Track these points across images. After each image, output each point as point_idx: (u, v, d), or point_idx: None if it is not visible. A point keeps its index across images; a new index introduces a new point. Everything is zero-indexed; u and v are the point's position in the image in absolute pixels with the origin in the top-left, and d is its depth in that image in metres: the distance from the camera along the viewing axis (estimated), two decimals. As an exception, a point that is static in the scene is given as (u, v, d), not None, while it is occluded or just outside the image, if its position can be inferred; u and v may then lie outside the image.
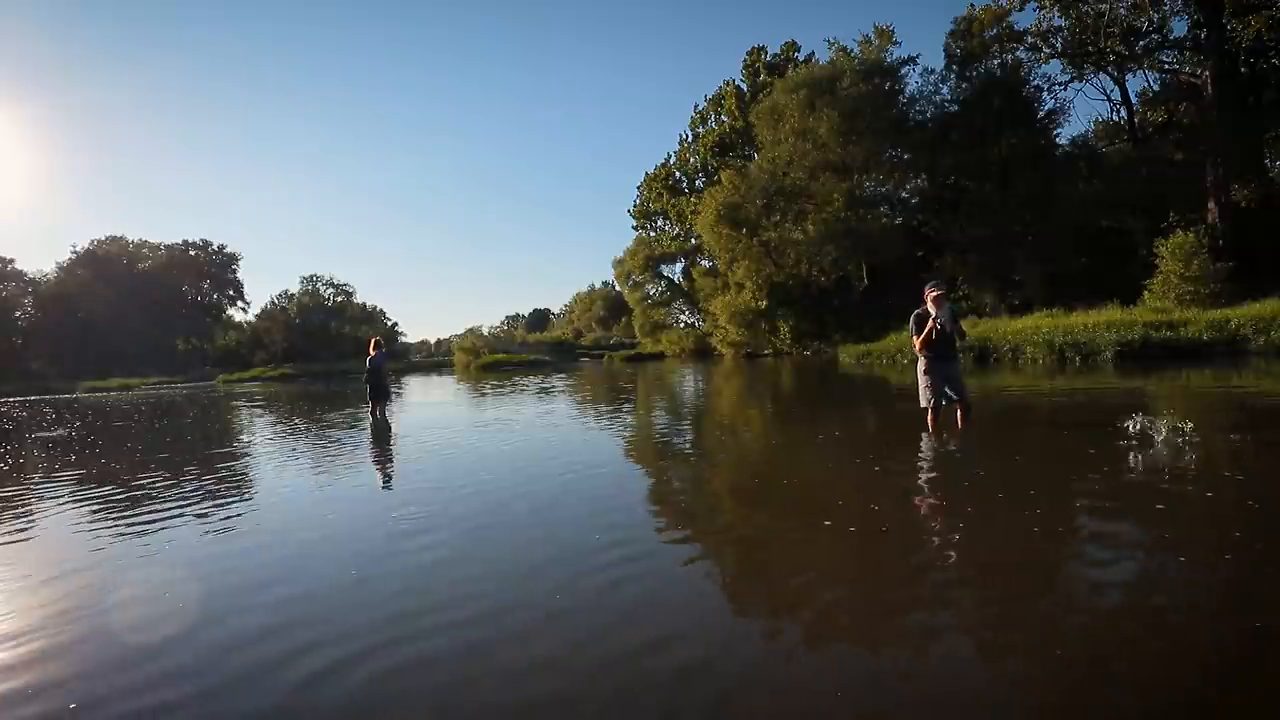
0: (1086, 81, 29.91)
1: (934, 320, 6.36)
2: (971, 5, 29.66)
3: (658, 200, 47.59)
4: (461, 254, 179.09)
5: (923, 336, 6.39)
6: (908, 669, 2.19)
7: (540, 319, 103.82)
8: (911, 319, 6.60)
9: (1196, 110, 25.93)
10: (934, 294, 6.42)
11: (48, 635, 2.78)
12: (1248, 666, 2.13)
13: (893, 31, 31.46)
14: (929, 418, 6.49)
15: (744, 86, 41.54)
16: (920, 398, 6.52)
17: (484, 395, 18.21)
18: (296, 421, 13.28)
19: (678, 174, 46.68)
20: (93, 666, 2.49)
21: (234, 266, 73.11)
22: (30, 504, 5.75)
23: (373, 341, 11.73)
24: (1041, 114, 29.04)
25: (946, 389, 6.47)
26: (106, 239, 67.93)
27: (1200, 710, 1.94)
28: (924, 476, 4.96)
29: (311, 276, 73.65)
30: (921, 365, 6.51)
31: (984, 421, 7.08)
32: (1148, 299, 20.06)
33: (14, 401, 31.65)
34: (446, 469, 6.37)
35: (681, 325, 47.55)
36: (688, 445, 7.66)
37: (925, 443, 6.03)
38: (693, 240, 43.62)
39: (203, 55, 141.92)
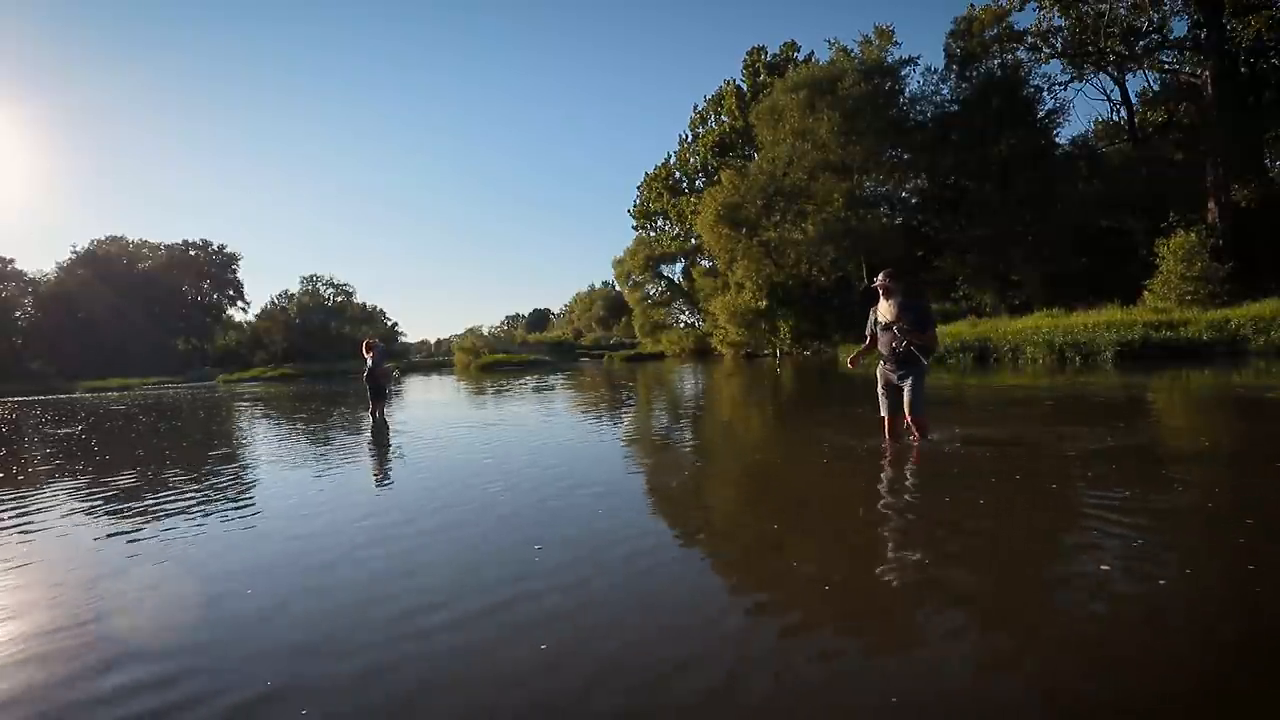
0: (1086, 81, 30.03)
1: (871, 315, 5.69)
2: (971, 5, 29.71)
3: (658, 200, 47.63)
4: (461, 254, 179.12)
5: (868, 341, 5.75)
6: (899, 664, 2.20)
7: (540, 319, 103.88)
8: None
9: (1196, 110, 25.98)
10: (880, 283, 5.54)
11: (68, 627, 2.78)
12: (1246, 665, 2.13)
13: (893, 32, 31.52)
14: (883, 424, 5.80)
15: (744, 86, 41.56)
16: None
17: (484, 395, 18.21)
18: (297, 423, 13.28)
19: (678, 174, 46.72)
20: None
21: (234, 266, 73.16)
22: (27, 509, 5.75)
23: (366, 343, 11.60)
24: (1041, 114, 29.09)
25: (892, 401, 5.62)
26: (106, 239, 67.95)
27: (1198, 710, 1.95)
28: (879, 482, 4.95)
29: (311, 276, 73.82)
30: None
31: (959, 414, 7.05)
32: (1148, 299, 20.10)
33: (13, 402, 31.65)
34: (445, 468, 6.37)
35: (681, 325, 47.59)
36: (685, 444, 7.66)
37: (882, 448, 5.71)
38: (693, 240, 43.64)
39: (203, 55, 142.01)
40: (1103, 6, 26.21)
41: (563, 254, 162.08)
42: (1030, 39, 28.63)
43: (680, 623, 2.63)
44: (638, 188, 49.49)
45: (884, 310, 5.57)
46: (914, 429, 5.63)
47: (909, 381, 5.47)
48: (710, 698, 2.06)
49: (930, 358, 5.56)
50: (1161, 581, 2.72)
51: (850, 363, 6.13)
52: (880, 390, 5.72)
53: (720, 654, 2.34)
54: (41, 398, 35.50)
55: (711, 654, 2.33)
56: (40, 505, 5.66)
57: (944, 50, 30.30)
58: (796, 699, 2.04)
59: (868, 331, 5.81)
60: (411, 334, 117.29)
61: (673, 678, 2.18)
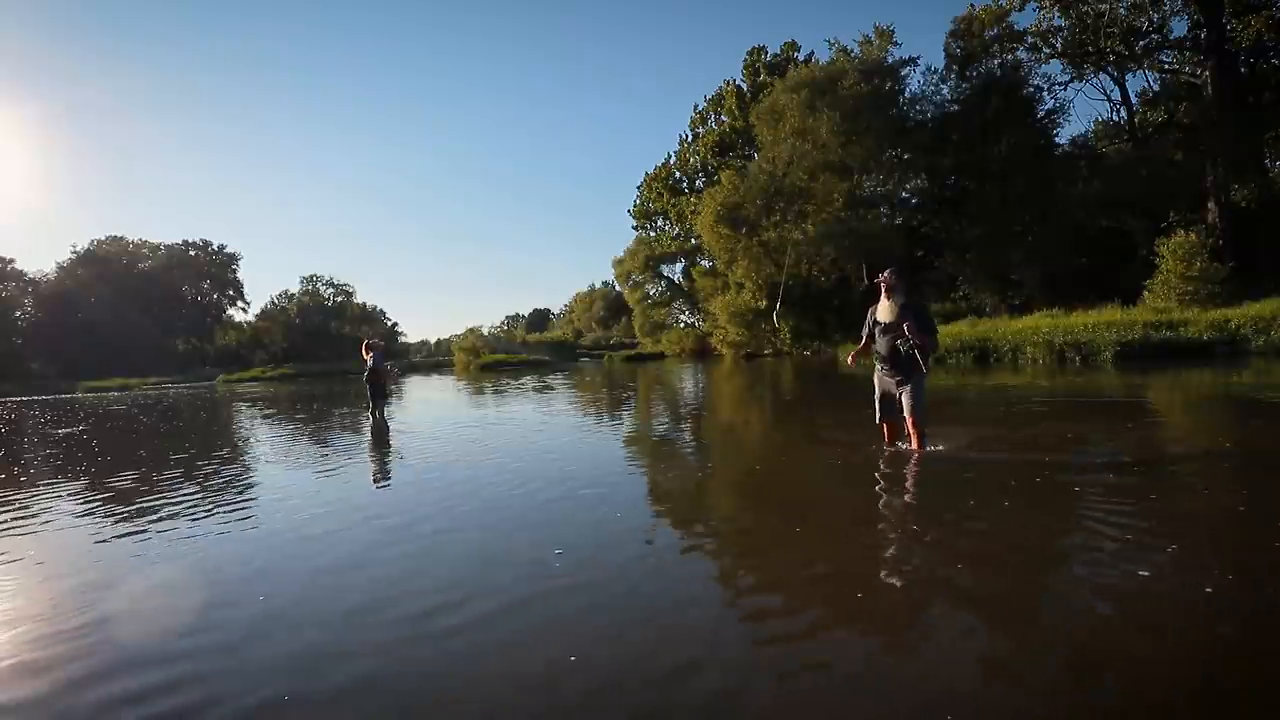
0: (1086, 81, 30.01)
1: (870, 314, 5.48)
2: (971, 5, 29.70)
3: (658, 200, 47.62)
4: (462, 254, 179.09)
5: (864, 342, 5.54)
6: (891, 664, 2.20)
7: (540, 319, 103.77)
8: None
9: (1197, 110, 25.96)
10: (884, 280, 5.32)
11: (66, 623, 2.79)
12: (1243, 661, 2.13)
13: (893, 32, 31.53)
14: (882, 429, 5.64)
15: (744, 86, 41.54)
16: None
17: (484, 395, 18.21)
18: (298, 423, 13.28)
19: (678, 174, 46.71)
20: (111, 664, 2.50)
21: (234, 266, 73.25)
22: (28, 509, 5.75)
23: (366, 344, 11.55)
24: (1041, 114, 29.08)
25: (889, 405, 5.43)
26: (106, 239, 68.05)
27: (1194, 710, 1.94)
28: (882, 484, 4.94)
29: (311, 276, 74.01)
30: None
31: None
32: (1148, 299, 20.08)
33: (14, 402, 31.64)
34: (445, 468, 6.37)
35: (681, 325, 47.60)
36: (685, 445, 7.66)
37: (882, 450, 5.58)
38: (693, 240, 43.63)
39: (202, 55, 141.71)
40: (1103, 6, 26.21)
41: (563, 254, 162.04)
42: (1030, 39, 28.63)
43: (682, 621, 2.63)
44: (638, 188, 49.54)
45: (884, 310, 5.32)
46: (913, 435, 5.36)
47: (908, 388, 5.22)
48: (713, 699, 2.06)
49: (930, 362, 5.33)
50: (1208, 589, 2.61)
51: (849, 360, 5.86)
52: (878, 396, 5.50)
53: (724, 655, 2.34)
54: (41, 398, 35.51)
55: (715, 655, 2.33)
56: (41, 505, 5.67)
57: (944, 50, 30.32)
58: (799, 702, 2.04)
59: (864, 331, 5.57)
60: (411, 334, 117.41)
61: (676, 679, 2.19)
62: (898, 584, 2.96)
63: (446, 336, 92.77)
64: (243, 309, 74.36)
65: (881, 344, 5.35)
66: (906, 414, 5.30)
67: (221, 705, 2.17)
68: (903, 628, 2.54)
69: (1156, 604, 2.56)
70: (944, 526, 3.64)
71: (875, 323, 5.41)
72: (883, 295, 5.34)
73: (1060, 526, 3.55)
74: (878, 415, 5.55)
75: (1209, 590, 2.61)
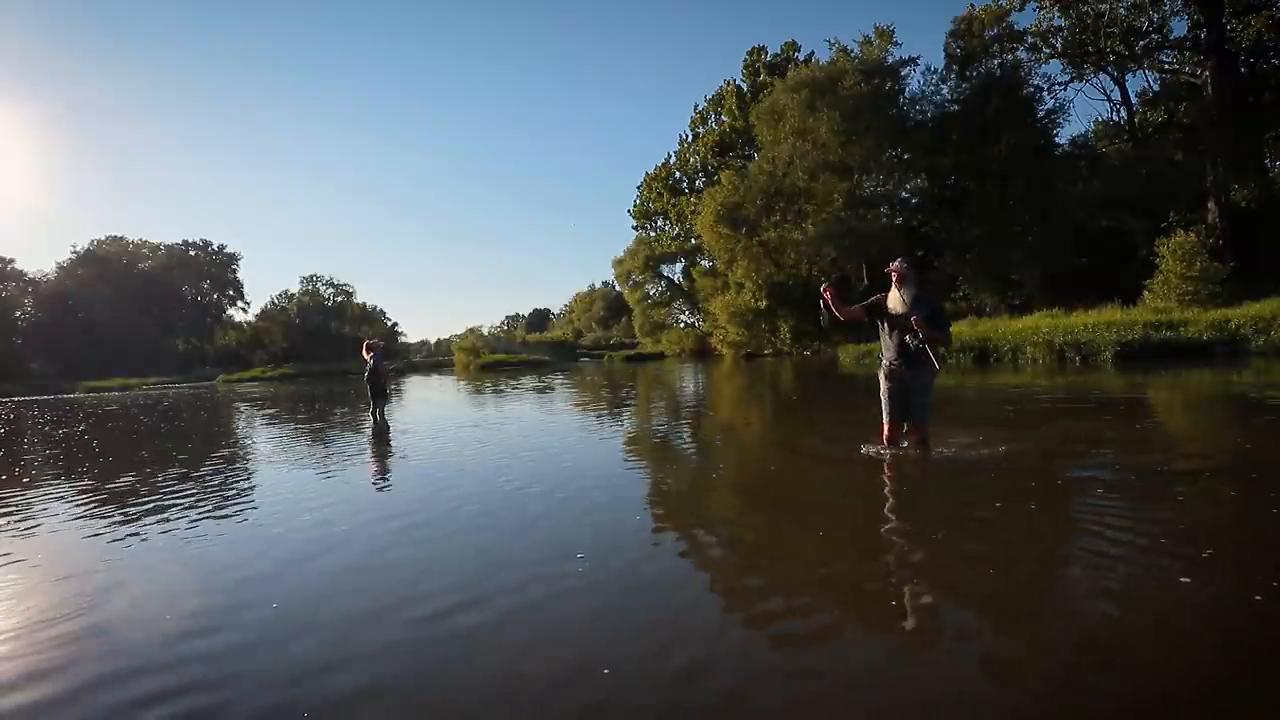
0: (1086, 81, 30.03)
1: (873, 300, 5.17)
2: (971, 5, 29.69)
3: (658, 200, 47.62)
4: (462, 254, 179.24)
5: (852, 309, 5.17)
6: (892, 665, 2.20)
7: (540, 319, 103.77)
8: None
9: (1197, 110, 25.97)
10: (895, 269, 5.00)
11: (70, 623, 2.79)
12: (1243, 656, 2.13)
13: (893, 32, 31.52)
14: (883, 429, 5.23)
15: (744, 86, 41.54)
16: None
17: (484, 395, 18.21)
18: (298, 423, 13.28)
19: (678, 174, 46.71)
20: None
21: (234, 266, 73.24)
22: (28, 509, 5.75)
23: (366, 344, 11.48)
24: (1041, 114, 29.08)
25: (893, 403, 5.08)
26: (106, 239, 68.04)
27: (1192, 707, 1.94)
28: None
29: (311, 276, 74.01)
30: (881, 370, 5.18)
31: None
32: (1148, 299, 20.09)
33: (13, 402, 31.63)
34: (445, 468, 6.37)
35: (681, 325, 47.62)
36: (685, 445, 7.66)
37: (885, 451, 5.23)
38: (693, 240, 43.64)
39: (202, 55, 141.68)
40: (1103, 6, 26.22)
41: (563, 254, 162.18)
42: (1030, 39, 28.64)
43: (674, 618, 2.62)
44: (638, 188, 49.54)
45: (894, 301, 4.97)
46: (919, 439, 5.14)
47: (917, 386, 4.98)
48: (716, 698, 2.06)
49: (941, 361, 5.07)
50: (1258, 597, 2.48)
51: (824, 289, 5.08)
52: (885, 392, 5.12)
53: (725, 654, 2.34)
54: (41, 398, 35.50)
55: (716, 653, 2.33)
56: (42, 506, 5.67)
57: (944, 50, 30.31)
58: (799, 700, 2.04)
59: (860, 305, 5.24)
60: (411, 334, 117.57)
61: (664, 669, 2.19)
62: (905, 590, 2.89)
63: (446, 336, 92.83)
64: (243, 309, 74.45)
65: (890, 338, 5.03)
66: (912, 413, 5.07)
67: (211, 697, 2.17)
68: (907, 632, 2.52)
69: (1204, 613, 2.45)
70: (959, 529, 3.53)
71: (882, 314, 5.06)
72: (893, 286, 5.00)
73: (1087, 531, 3.37)
74: (884, 414, 5.19)
75: (1259, 597, 2.47)
